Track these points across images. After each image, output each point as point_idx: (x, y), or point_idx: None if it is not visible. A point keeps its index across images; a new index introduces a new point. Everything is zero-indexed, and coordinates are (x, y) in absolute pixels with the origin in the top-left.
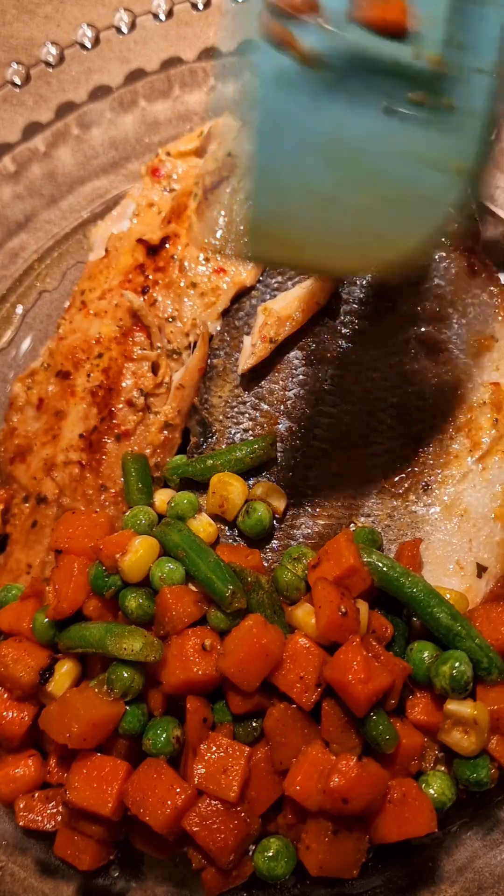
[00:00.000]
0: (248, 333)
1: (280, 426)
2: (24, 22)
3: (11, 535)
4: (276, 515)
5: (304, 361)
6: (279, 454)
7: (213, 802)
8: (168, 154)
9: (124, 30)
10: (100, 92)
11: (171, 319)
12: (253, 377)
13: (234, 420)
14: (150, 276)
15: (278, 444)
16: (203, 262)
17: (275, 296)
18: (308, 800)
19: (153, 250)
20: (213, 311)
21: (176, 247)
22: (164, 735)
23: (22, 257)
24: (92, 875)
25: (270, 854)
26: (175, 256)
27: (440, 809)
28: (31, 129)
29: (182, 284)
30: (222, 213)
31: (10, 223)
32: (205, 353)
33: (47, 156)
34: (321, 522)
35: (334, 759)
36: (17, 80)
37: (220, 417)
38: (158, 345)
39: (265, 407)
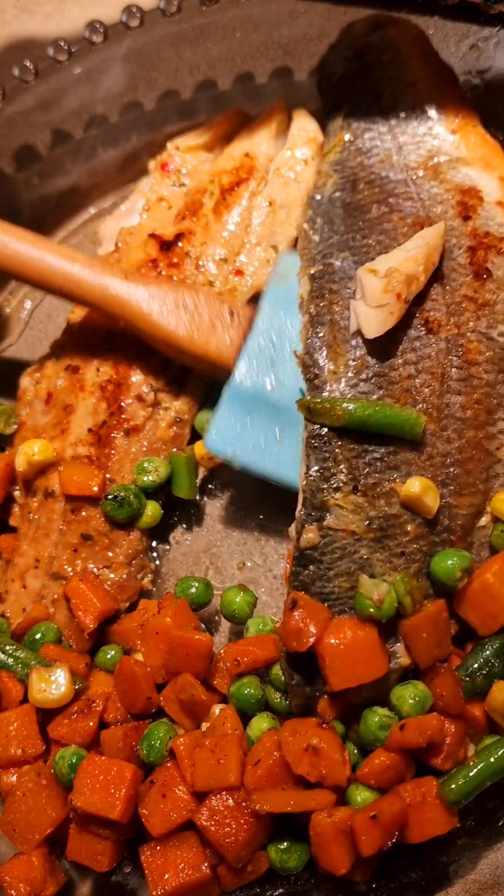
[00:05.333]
0: (350, 298)
1: (408, 403)
2: (24, 21)
3: (20, 530)
4: (428, 517)
5: (423, 330)
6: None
7: (224, 798)
8: (177, 148)
9: (125, 27)
10: (100, 91)
11: None
12: (367, 349)
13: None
14: (164, 272)
15: None
16: (221, 261)
17: (368, 259)
18: (351, 874)
19: (166, 245)
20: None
21: (191, 244)
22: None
23: None
24: (107, 873)
25: (283, 847)
26: (190, 253)
27: (457, 802)
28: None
29: (198, 281)
30: (243, 214)
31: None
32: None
33: (47, 155)
34: (462, 513)
35: (349, 824)
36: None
37: (346, 392)
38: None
39: (393, 375)
